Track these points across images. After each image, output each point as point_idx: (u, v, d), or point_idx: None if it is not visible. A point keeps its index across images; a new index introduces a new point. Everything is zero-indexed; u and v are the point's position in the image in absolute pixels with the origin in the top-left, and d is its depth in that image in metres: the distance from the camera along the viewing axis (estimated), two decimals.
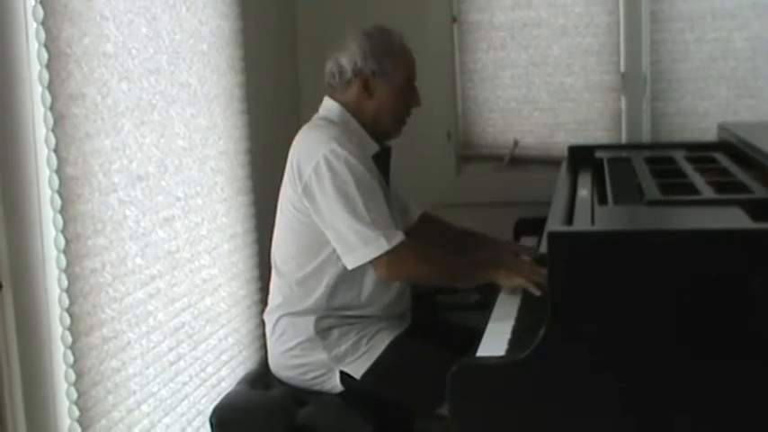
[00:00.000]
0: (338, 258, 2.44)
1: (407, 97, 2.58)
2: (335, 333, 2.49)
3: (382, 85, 2.54)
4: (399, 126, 2.61)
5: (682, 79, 3.60)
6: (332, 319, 2.50)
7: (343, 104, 2.55)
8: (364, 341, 2.48)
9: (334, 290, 2.48)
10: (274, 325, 2.56)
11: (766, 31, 3.51)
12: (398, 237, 2.38)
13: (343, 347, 2.47)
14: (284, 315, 2.53)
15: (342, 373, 2.47)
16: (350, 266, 2.41)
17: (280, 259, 2.58)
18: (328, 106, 2.57)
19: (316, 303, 2.49)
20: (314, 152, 2.42)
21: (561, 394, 1.86)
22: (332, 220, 2.40)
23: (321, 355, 2.48)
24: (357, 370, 2.46)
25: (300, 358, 2.51)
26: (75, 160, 2.10)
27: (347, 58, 2.53)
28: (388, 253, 2.37)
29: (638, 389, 1.83)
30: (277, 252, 2.59)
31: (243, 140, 3.06)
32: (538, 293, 2.30)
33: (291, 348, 2.52)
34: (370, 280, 2.50)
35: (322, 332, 2.49)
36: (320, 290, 2.48)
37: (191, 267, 2.67)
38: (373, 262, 2.40)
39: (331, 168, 2.39)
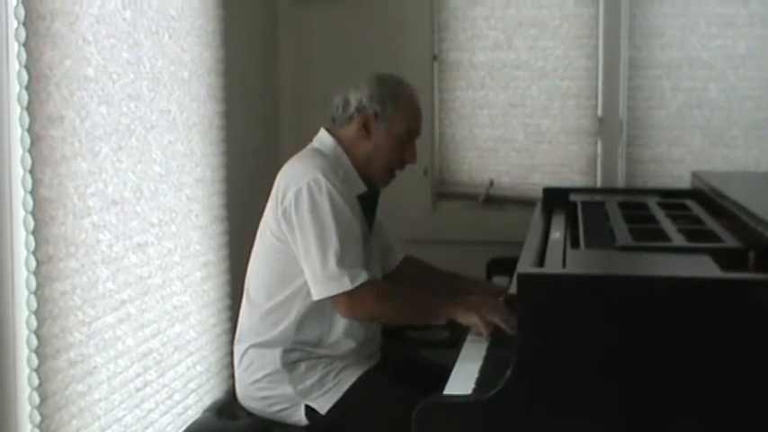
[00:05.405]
0: (309, 292, 2.44)
1: (403, 150, 2.58)
2: (302, 367, 2.48)
3: (381, 130, 2.54)
4: (389, 176, 2.61)
5: (657, 126, 3.65)
6: (299, 352, 2.49)
7: (339, 140, 2.56)
8: (331, 376, 2.47)
9: (302, 323, 2.47)
10: (242, 355, 2.55)
11: (740, 82, 3.58)
12: (362, 277, 2.39)
13: (309, 382, 2.46)
14: (252, 346, 2.52)
15: (307, 407, 2.46)
16: (314, 297, 2.42)
17: (252, 287, 2.58)
18: (322, 139, 2.58)
19: (282, 335, 2.48)
20: (298, 179, 2.43)
21: None
22: (304, 248, 2.40)
23: (287, 389, 2.47)
24: (322, 405, 2.45)
25: (266, 391, 2.50)
26: (50, 182, 2.09)
27: (355, 94, 2.55)
28: (348, 293, 2.38)
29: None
30: (251, 279, 2.59)
31: (220, 169, 3.06)
32: (484, 333, 2.33)
33: (258, 380, 2.51)
34: (340, 319, 2.49)
35: (288, 365, 2.48)
36: (288, 321, 2.47)
37: (162, 294, 2.66)
38: (333, 299, 2.41)
39: (311, 197, 2.40)
